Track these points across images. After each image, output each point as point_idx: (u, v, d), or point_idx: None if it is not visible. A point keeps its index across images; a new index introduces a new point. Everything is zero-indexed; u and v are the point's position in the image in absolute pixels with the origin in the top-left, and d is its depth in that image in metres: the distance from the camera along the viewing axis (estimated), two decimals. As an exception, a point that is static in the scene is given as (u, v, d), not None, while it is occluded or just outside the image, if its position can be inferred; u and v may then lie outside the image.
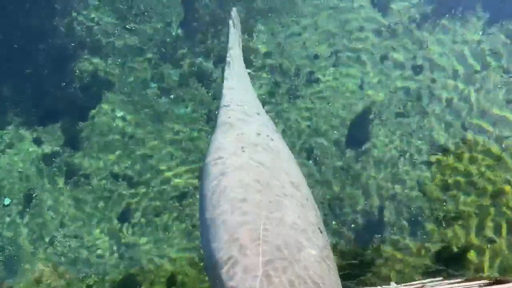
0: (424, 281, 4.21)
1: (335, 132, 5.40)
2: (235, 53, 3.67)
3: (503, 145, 5.20)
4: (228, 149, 2.80)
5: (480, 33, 5.62)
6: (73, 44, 5.77)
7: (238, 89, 3.41)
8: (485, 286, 3.44)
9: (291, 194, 2.58)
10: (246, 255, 2.16)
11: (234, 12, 4.02)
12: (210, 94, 5.62)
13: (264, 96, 5.56)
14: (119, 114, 5.59)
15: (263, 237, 2.23)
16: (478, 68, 5.49)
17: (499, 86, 5.42)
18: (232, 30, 3.82)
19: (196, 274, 4.95)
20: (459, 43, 5.60)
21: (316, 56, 5.66)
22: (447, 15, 5.71)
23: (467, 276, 4.48)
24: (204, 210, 2.54)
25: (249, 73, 5.64)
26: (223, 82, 3.48)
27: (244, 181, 2.56)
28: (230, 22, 3.89)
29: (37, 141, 5.54)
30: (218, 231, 2.35)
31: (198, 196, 2.89)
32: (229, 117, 3.10)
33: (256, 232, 2.26)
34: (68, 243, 5.19)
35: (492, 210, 5.00)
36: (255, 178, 2.59)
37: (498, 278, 3.62)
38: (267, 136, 2.99)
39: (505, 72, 5.46)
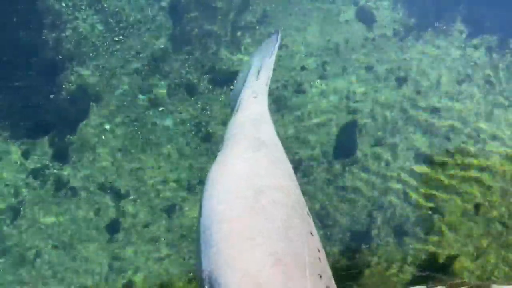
0: (409, 290, 4.27)
1: (322, 143, 5.48)
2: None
3: (487, 155, 5.32)
4: (265, 172, 2.62)
5: (462, 45, 5.77)
6: (61, 57, 5.79)
7: (266, 111, 3.28)
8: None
9: (311, 230, 2.46)
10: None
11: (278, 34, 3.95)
12: (198, 105, 5.67)
13: (252, 108, 5.62)
14: (107, 126, 5.61)
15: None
16: (460, 79, 5.63)
17: (481, 97, 5.55)
18: (275, 53, 3.71)
19: (185, 286, 4.97)
20: (442, 55, 5.74)
21: (303, 68, 5.75)
22: (429, 29, 5.85)
23: (450, 283, 4.56)
24: (230, 232, 2.24)
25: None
26: (257, 92, 3.36)
27: (284, 204, 2.40)
28: (277, 45, 3.77)
29: (25, 154, 5.53)
30: (254, 253, 2.08)
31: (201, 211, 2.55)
32: (261, 135, 2.93)
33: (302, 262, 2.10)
34: (56, 255, 5.17)
35: (475, 218, 5.10)
36: (293, 204, 2.46)
37: (478, 284, 3.71)
38: (288, 165, 2.89)
39: (487, 83, 5.60)
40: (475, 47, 5.76)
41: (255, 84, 3.52)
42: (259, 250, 2.10)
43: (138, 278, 5.06)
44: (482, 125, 5.47)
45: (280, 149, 2.97)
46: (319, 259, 2.25)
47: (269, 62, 3.68)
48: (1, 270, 5.15)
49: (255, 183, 2.47)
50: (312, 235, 2.38)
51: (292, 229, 2.26)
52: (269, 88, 5.69)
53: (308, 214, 2.52)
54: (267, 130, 3.05)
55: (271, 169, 2.66)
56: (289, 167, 2.83)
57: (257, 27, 5.91)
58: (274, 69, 3.65)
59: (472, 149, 5.37)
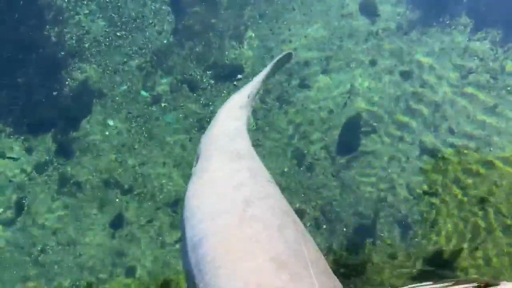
0: (413, 285, 4.27)
1: (325, 138, 5.47)
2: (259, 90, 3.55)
3: (491, 149, 5.30)
4: (249, 182, 2.56)
5: (466, 39, 5.73)
6: (63, 53, 5.77)
7: (243, 125, 3.25)
8: (473, 289, 3.50)
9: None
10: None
11: (287, 54, 3.93)
12: (201, 101, 5.65)
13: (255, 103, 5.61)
14: (111, 122, 5.60)
15: None
16: (464, 73, 5.59)
17: (486, 91, 5.52)
18: (270, 69, 3.73)
19: (189, 281, 4.98)
20: (446, 50, 5.70)
21: (306, 63, 5.72)
22: (434, 22, 5.81)
23: (457, 279, 4.56)
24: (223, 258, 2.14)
25: (238, 80, 5.70)
26: (241, 102, 3.36)
27: (276, 210, 2.38)
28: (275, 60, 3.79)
29: (29, 150, 5.53)
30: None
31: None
32: (238, 147, 2.89)
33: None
34: (60, 250, 5.18)
35: (481, 213, 5.09)
36: (283, 208, 2.45)
37: (486, 281, 3.70)
38: (268, 174, 2.87)
39: (491, 77, 5.57)
40: (479, 41, 5.72)
41: (241, 96, 3.51)
42: (261, 257, 2.07)
43: (142, 272, 5.07)
44: (487, 119, 5.45)
45: (257, 160, 2.95)
46: (319, 257, 2.27)
47: (260, 76, 3.68)
48: (7, 265, 5.17)
49: (241, 194, 2.44)
50: (307, 236, 2.38)
51: (288, 233, 2.25)
52: (272, 83, 5.67)
53: (297, 218, 2.53)
54: (244, 143, 3.03)
55: (254, 179, 2.63)
56: (269, 176, 2.83)
57: (260, 21, 5.88)
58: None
59: (476, 143, 5.35)
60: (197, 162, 2.94)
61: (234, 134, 3.07)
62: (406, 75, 5.63)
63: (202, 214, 2.39)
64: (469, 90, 5.56)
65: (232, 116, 3.28)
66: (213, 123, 3.27)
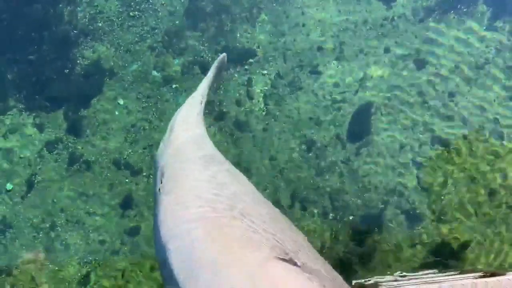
0: (419, 273, 4.28)
1: (336, 125, 5.43)
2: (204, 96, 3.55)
3: (503, 141, 5.24)
4: (228, 182, 2.56)
5: (484, 28, 5.62)
6: (76, 31, 5.76)
7: (204, 130, 3.27)
8: (479, 278, 3.50)
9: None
10: None
11: (221, 57, 3.91)
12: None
13: (266, 88, 5.57)
14: (121, 102, 5.61)
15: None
16: (480, 63, 5.50)
17: (501, 81, 5.43)
18: (212, 75, 3.74)
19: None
20: (463, 38, 5.60)
21: (319, 48, 5.66)
22: (451, 10, 5.69)
23: (463, 269, 4.55)
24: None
25: (250, 64, 5.66)
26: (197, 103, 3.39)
27: (264, 202, 2.43)
28: (215, 65, 3.78)
29: (40, 127, 5.57)
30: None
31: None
32: (206, 152, 2.86)
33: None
34: (69, 227, 5.25)
35: (489, 204, 5.05)
36: (267, 200, 2.51)
37: (493, 271, 3.69)
38: (240, 172, 2.92)
39: (508, 68, 5.47)
40: (498, 30, 5.60)
41: (194, 102, 3.50)
42: (262, 248, 2.06)
43: (151, 252, 5.12)
44: (502, 110, 5.36)
45: (226, 162, 2.93)
46: (311, 246, 2.30)
47: (205, 82, 3.68)
48: (16, 240, 5.25)
49: (228, 192, 2.43)
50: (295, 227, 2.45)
51: (281, 223, 2.30)
52: (284, 68, 5.63)
53: None
54: (212, 148, 3.01)
55: (231, 179, 2.63)
56: (242, 174, 2.82)
57: (274, 4, 5.81)
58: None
59: (489, 134, 5.28)
60: (163, 177, 2.80)
61: (200, 140, 3.04)
62: (420, 64, 5.55)
63: (189, 221, 2.30)
64: (484, 80, 5.47)
65: (192, 123, 3.23)
66: (171, 134, 3.16)
